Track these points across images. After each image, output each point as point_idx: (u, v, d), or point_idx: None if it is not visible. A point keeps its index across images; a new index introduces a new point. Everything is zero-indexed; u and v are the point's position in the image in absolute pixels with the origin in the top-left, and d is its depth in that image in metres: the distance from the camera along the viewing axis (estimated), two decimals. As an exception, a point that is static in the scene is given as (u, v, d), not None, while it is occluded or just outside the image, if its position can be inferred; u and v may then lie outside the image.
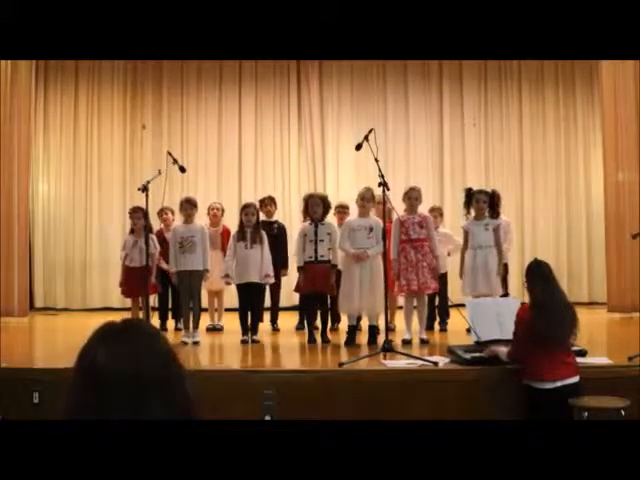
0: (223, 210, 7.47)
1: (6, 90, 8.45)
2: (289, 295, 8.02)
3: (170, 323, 7.26)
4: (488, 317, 5.08)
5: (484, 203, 6.20)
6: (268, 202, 7.23)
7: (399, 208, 6.12)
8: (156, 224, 7.27)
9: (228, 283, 6.49)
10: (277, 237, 6.91)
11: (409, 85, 9.71)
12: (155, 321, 6.86)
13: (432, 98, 9.73)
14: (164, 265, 6.69)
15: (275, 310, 7.32)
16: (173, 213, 7.32)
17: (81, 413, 1.28)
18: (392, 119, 9.65)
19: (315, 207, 6.19)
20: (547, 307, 4.23)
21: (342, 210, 7.01)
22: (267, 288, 6.65)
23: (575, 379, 4.21)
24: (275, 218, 7.31)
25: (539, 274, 4.35)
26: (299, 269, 6.26)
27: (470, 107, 9.70)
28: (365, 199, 6.07)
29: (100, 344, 1.32)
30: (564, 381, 4.16)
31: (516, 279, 9.20)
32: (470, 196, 6.28)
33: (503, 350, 4.56)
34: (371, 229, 5.96)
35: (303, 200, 6.44)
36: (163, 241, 6.83)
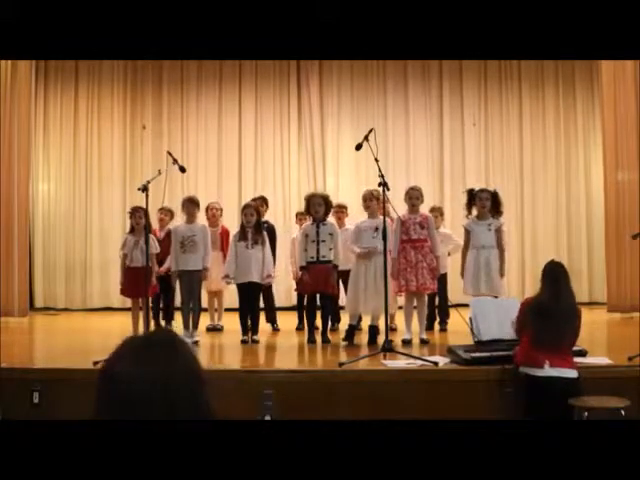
0: (222, 210, 7.45)
1: (6, 90, 8.45)
2: (289, 295, 8.00)
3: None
4: (490, 316, 5.09)
5: (487, 201, 6.16)
6: (260, 202, 7.21)
7: (400, 208, 6.11)
8: (154, 222, 7.23)
9: (229, 283, 6.48)
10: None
11: (409, 85, 9.71)
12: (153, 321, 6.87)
13: (432, 98, 9.72)
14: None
15: (271, 310, 7.28)
16: (172, 216, 7.30)
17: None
18: (392, 119, 9.64)
19: (317, 207, 6.18)
20: (547, 311, 4.24)
21: (340, 210, 7.02)
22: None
23: (573, 373, 4.20)
24: (266, 218, 7.24)
25: (550, 276, 4.36)
26: (302, 269, 6.26)
27: (470, 107, 9.69)
28: (367, 199, 6.13)
29: (124, 355, 1.35)
30: (560, 371, 4.15)
31: (515, 280, 9.19)
32: (472, 197, 6.23)
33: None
34: (376, 229, 5.96)
35: (305, 200, 6.41)
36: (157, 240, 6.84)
